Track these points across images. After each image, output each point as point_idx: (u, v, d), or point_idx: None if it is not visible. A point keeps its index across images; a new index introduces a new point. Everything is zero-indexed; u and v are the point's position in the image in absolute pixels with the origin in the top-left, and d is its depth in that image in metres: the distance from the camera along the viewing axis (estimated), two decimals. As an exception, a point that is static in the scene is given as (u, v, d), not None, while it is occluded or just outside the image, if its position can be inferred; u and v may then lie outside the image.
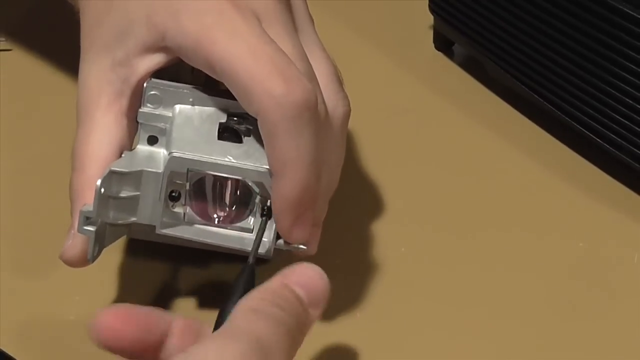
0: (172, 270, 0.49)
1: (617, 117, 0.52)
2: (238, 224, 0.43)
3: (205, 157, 0.41)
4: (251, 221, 0.43)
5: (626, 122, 0.52)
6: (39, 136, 0.58)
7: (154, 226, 0.42)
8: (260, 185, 0.42)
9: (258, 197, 0.42)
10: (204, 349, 0.32)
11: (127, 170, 0.41)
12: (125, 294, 0.48)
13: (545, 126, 0.59)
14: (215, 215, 0.43)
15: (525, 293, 0.49)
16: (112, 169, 0.41)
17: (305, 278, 0.36)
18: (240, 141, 0.42)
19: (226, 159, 0.41)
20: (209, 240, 0.43)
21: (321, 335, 0.43)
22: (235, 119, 0.42)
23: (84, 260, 0.43)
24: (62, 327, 0.47)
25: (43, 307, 0.48)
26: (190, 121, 0.42)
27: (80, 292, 0.48)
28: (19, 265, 0.50)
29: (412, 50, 0.66)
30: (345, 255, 0.49)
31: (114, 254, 0.50)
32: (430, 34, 0.66)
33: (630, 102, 0.51)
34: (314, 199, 0.42)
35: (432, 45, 0.66)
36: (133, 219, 0.42)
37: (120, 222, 0.42)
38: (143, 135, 0.43)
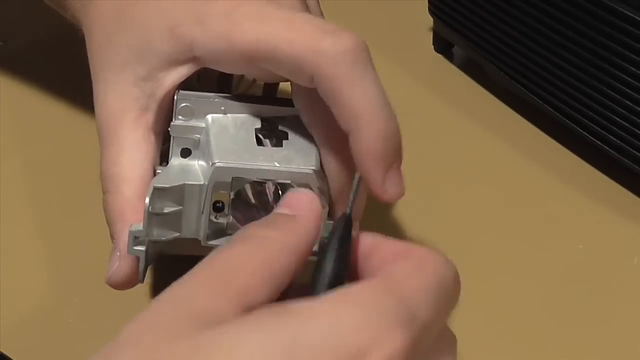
0: (175, 268, 0.49)
1: (617, 119, 0.52)
2: None
3: (249, 164, 0.40)
4: None
5: (626, 124, 0.52)
6: (39, 140, 0.58)
7: (196, 240, 0.41)
8: (305, 187, 0.40)
9: None
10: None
11: (169, 186, 0.40)
12: (126, 295, 0.48)
13: (545, 128, 0.59)
14: None
15: (525, 295, 0.49)
16: (155, 185, 0.40)
17: (283, 200, 0.37)
18: (279, 145, 0.41)
19: (270, 165, 0.40)
20: None
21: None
22: (270, 123, 0.42)
23: (134, 281, 0.41)
24: (61, 329, 0.47)
25: (42, 309, 0.48)
26: (226, 130, 0.41)
27: (79, 293, 0.48)
28: (18, 266, 0.50)
29: (411, 53, 0.66)
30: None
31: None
32: (429, 36, 0.66)
33: (631, 104, 0.51)
34: (400, 143, 0.39)
35: (432, 47, 0.66)
36: (177, 234, 0.41)
37: (163, 238, 0.40)
38: (176, 148, 0.42)
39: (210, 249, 0.41)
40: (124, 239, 0.40)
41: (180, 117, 0.42)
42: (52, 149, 0.57)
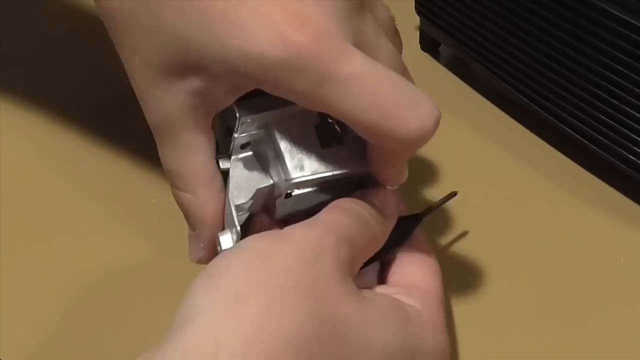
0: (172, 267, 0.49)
1: (604, 118, 0.52)
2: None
3: (317, 175, 0.41)
4: None
5: (613, 123, 0.52)
6: (37, 148, 0.58)
7: None
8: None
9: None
10: (291, 230, 0.38)
11: (247, 200, 0.41)
12: (129, 299, 0.48)
13: (532, 127, 0.59)
14: None
15: (510, 294, 0.49)
16: (237, 204, 0.41)
17: (379, 193, 0.42)
18: (340, 140, 0.42)
19: (333, 169, 0.41)
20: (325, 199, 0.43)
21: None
22: (326, 117, 0.42)
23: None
24: (49, 328, 0.46)
25: (27, 308, 0.47)
26: (289, 133, 0.41)
27: (65, 293, 0.48)
28: (20, 267, 0.50)
29: (398, 51, 0.66)
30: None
31: (109, 253, 0.50)
32: (416, 35, 0.66)
33: (618, 103, 0.51)
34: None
35: (419, 46, 0.66)
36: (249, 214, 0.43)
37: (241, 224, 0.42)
38: (236, 147, 0.42)
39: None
40: (206, 235, 0.43)
41: (243, 131, 0.41)
42: (46, 157, 0.57)
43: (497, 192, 0.55)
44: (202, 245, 0.43)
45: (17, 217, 0.53)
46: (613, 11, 0.49)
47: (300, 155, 0.41)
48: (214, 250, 0.43)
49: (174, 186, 0.43)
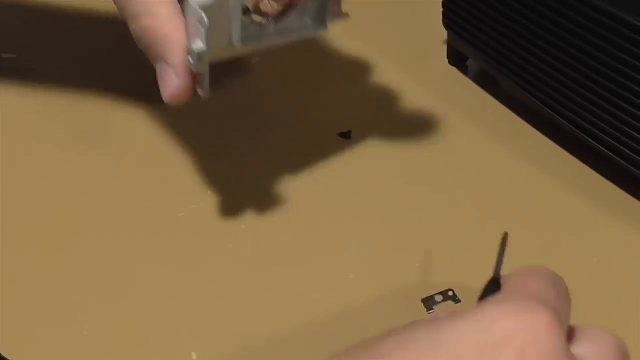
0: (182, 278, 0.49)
1: (632, 132, 0.52)
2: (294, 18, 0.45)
3: None
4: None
5: (640, 137, 0.52)
6: (42, 153, 0.58)
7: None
8: None
9: None
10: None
11: (211, 3, 0.42)
12: (138, 305, 0.48)
13: (559, 141, 0.59)
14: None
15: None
16: (201, 3, 0.41)
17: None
18: None
19: None
20: (284, 40, 0.45)
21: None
22: None
23: (191, 94, 0.44)
24: (75, 342, 0.47)
25: (55, 321, 0.48)
26: None
27: (88, 305, 0.48)
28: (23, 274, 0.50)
29: (426, 65, 0.66)
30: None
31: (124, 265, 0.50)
32: (444, 49, 0.66)
33: (644, 117, 0.51)
34: None
35: (446, 60, 0.66)
36: (224, 47, 0.43)
37: (213, 55, 0.43)
38: None
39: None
40: (176, 56, 0.42)
41: None
42: (55, 161, 0.57)
43: (524, 205, 0.55)
44: (172, 71, 0.43)
45: (39, 226, 0.53)
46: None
47: None
48: (187, 74, 0.43)
49: (133, 19, 0.44)
